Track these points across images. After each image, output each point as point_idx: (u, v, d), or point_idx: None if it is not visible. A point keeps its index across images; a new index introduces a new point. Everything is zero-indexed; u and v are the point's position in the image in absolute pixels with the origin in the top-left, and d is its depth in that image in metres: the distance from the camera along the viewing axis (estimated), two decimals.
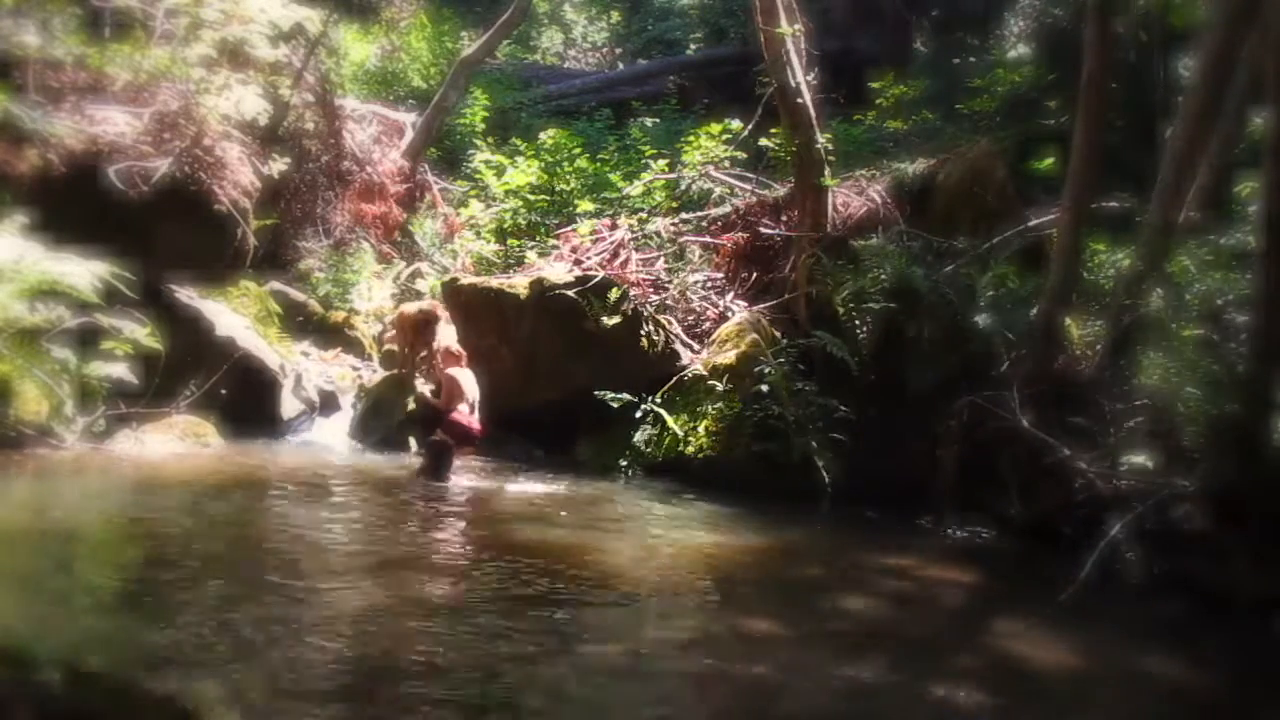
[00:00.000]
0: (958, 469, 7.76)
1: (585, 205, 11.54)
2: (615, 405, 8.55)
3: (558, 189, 12.01)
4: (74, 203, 8.44)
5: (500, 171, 12.28)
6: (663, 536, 6.93)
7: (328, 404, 10.03)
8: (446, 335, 9.53)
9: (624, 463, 8.64)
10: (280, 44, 10.64)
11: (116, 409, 8.18)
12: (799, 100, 8.82)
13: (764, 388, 8.34)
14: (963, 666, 4.97)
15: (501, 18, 14.93)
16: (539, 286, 9.09)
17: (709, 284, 10.04)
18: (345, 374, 10.57)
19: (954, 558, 6.96)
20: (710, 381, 8.55)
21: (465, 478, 8.24)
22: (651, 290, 9.91)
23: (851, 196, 9.53)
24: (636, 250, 10.36)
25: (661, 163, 11.62)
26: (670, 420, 8.58)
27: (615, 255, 10.18)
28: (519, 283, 9.34)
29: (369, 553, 6.01)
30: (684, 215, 10.87)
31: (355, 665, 4.21)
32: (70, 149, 8.79)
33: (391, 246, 12.65)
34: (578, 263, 10.11)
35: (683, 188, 11.19)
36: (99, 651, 4.09)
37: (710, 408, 8.49)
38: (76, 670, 3.18)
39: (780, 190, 10.13)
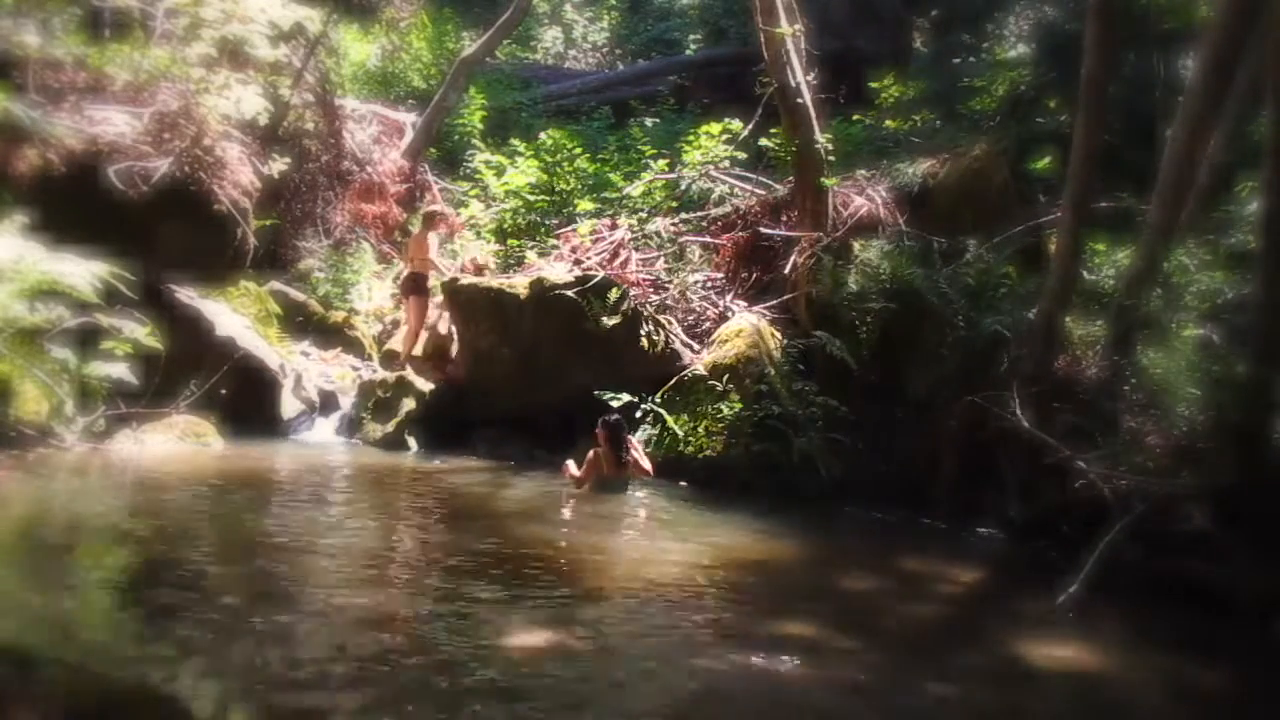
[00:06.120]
0: (958, 469, 7.77)
1: (585, 205, 11.55)
2: (615, 405, 8.55)
3: (558, 189, 12.01)
4: (74, 203, 8.44)
5: (500, 172, 12.29)
6: (669, 537, 6.92)
7: (328, 404, 10.05)
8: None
9: None
10: (280, 44, 10.65)
11: (116, 409, 8.18)
12: (799, 100, 8.82)
13: (764, 388, 8.34)
14: (967, 664, 4.98)
15: (502, 18, 14.95)
16: (539, 286, 9.09)
17: (709, 284, 10.05)
18: (345, 374, 10.59)
19: (954, 557, 6.94)
20: (710, 381, 8.55)
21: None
22: (651, 290, 9.91)
23: (851, 196, 9.53)
24: (636, 250, 10.37)
25: (661, 163, 11.62)
26: (670, 420, 8.58)
27: (615, 255, 10.19)
28: (519, 283, 9.34)
29: (370, 552, 6.01)
30: (684, 215, 10.88)
31: (357, 667, 4.21)
32: (70, 149, 8.79)
33: (391, 246, 12.67)
34: (578, 263, 10.12)
35: (683, 188, 11.19)
36: (99, 651, 4.09)
37: (710, 408, 8.49)
38: (76, 670, 3.18)
39: (780, 190, 10.13)
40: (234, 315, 9.54)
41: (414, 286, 10.44)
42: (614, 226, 10.66)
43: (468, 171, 13.58)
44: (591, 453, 7.75)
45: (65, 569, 5.32)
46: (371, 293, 11.96)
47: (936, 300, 8.37)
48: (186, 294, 9.19)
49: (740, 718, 4.16)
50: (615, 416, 7.93)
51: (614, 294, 8.90)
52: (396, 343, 10.75)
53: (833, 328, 8.61)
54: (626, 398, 8.62)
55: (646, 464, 7.99)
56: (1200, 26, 9.02)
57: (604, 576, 5.81)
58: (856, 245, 8.98)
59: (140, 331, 8.15)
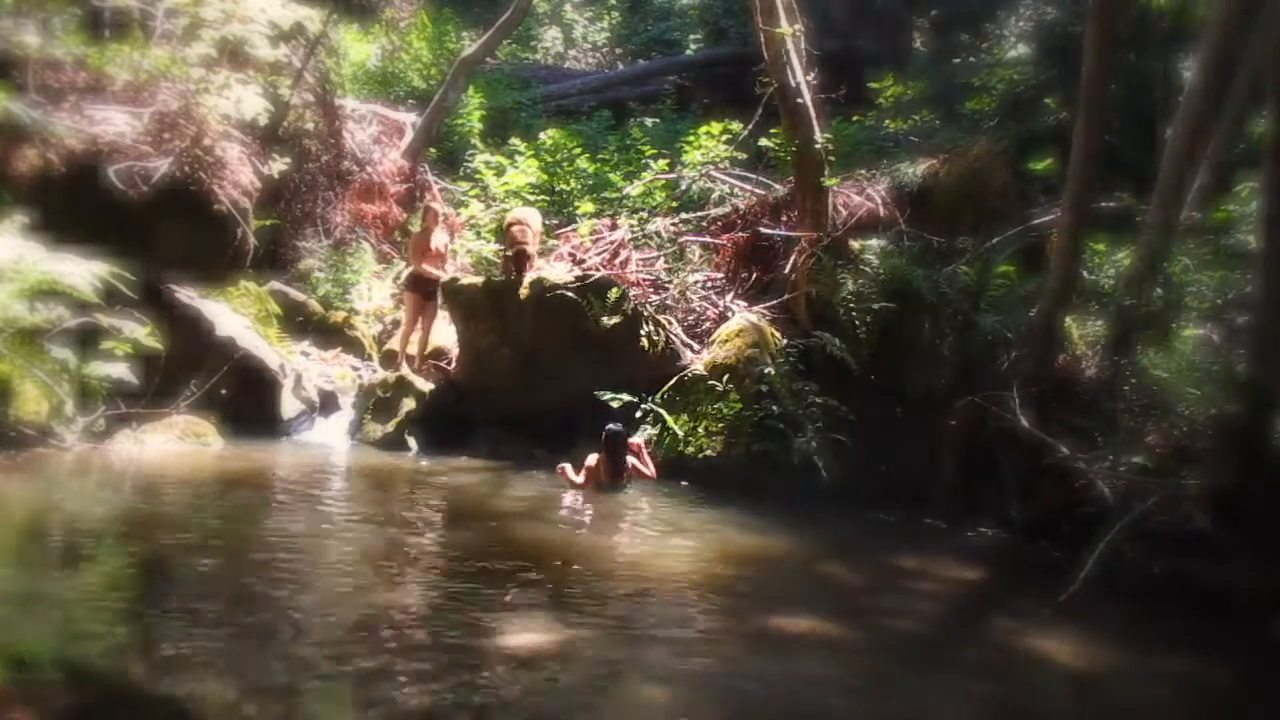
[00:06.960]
0: (958, 469, 7.77)
1: (585, 205, 11.55)
2: (615, 405, 8.55)
3: (558, 189, 12.01)
4: (74, 203, 8.44)
5: (500, 172, 12.29)
6: (669, 537, 6.92)
7: (328, 404, 10.05)
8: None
9: None
10: (280, 44, 10.64)
11: (116, 409, 8.18)
12: (799, 100, 8.82)
13: (764, 388, 8.34)
14: (967, 663, 4.98)
15: (502, 18, 14.95)
16: (539, 286, 9.09)
17: (709, 284, 10.05)
18: (345, 374, 10.59)
19: (954, 556, 6.95)
20: (710, 381, 8.55)
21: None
22: (651, 290, 9.91)
23: (851, 196, 9.53)
24: (636, 250, 10.37)
25: (661, 163, 11.63)
26: (670, 420, 8.58)
27: (615, 255, 10.19)
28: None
29: (369, 552, 6.01)
30: (684, 215, 10.89)
31: (357, 668, 4.21)
32: (70, 149, 8.78)
33: (391, 246, 12.67)
34: (578, 263, 10.12)
35: (683, 188, 11.19)
36: (99, 651, 4.09)
37: (710, 408, 8.49)
38: (76, 670, 3.18)
39: (780, 190, 10.13)
40: (234, 315, 9.53)
41: (410, 285, 10.43)
42: (614, 226, 10.66)
43: (468, 171, 13.58)
44: (592, 458, 7.76)
45: (64, 569, 5.32)
46: (371, 293, 11.96)
47: (936, 300, 8.38)
48: (186, 294, 9.19)
49: (741, 717, 4.16)
50: (616, 426, 7.94)
51: (614, 294, 8.90)
52: (396, 342, 10.75)
53: (832, 328, 8.61)
54: (626, 398, 8.62)
55: (650, 470, 8.01)
56: (1200, 26, 9.01)
57: (604, 576, 5.81)
58: (856, 245, 8.98)
59: (140, 331, 8.14)
